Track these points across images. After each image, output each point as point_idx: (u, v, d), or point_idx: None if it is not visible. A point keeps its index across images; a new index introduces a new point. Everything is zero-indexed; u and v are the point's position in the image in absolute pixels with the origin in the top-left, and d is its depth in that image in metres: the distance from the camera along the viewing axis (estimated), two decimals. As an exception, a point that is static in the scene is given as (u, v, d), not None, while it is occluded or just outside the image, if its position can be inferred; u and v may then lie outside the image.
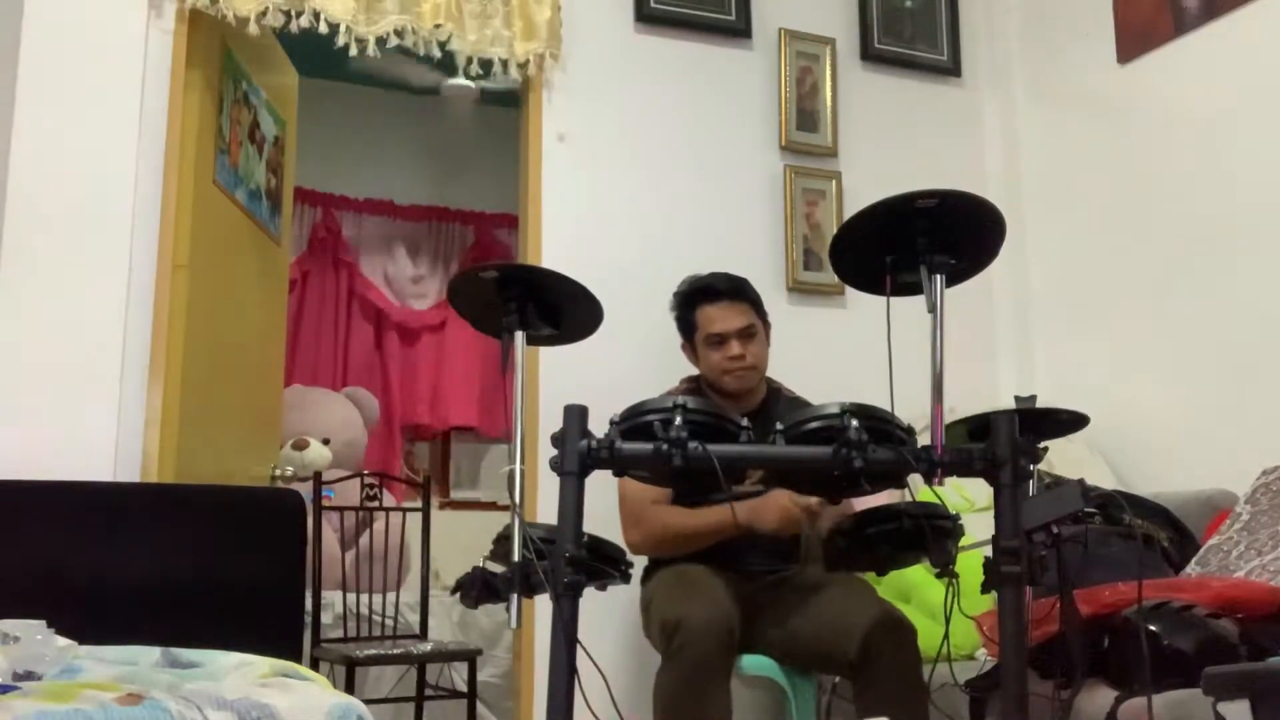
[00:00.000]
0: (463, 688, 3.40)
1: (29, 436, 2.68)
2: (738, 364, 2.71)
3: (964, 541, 2.05)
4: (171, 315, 2.86)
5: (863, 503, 2.23)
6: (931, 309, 1.94)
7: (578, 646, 1.82)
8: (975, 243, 2.02)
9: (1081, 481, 1.84)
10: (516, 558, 1.88)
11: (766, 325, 2.82)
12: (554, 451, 1.89)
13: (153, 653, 1.88)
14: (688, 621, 2.31)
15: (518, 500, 1.91)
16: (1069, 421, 2.13)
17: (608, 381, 2.73)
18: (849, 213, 2.59)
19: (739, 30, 3.64)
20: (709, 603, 2.38)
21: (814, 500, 2.45)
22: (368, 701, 2.12)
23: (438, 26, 3.17)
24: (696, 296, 2.78)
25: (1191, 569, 2.58)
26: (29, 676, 1.62)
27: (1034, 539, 1.84)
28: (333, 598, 3.64)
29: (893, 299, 2.04)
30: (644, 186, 3.47)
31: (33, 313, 2.74)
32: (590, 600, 1.90)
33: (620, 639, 3.00)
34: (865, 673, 2.35)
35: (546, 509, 2.89)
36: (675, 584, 2.52)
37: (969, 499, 2.82)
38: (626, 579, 2.13)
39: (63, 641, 1.66)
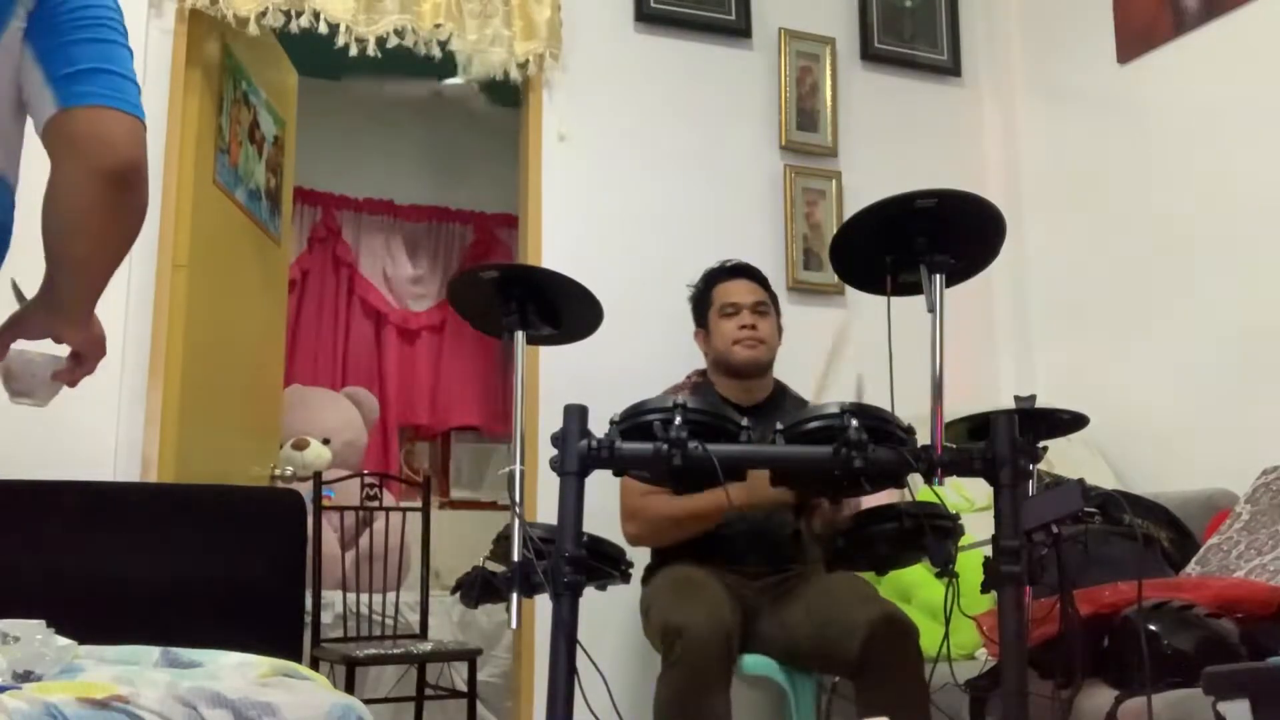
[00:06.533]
0: (463, 688, 3.40)
1: (29, 436, 2.68)
2: (749, 333, 2.77)
3: (964, 541, 2.05)
4: (171, 315, 2.86)
5: (861, 503, 2.23)
6: (931, 309, 1.94)
7: (578, 646, 1.83)
8: (975, 243, 2.02)
9: (1081, 481, 1.85)
10: (516, 558, 1.88)
11: (779, 314, 2.90)
12: (554, 451, 1.89)
13: (153, 652, 1.88)
14: (688, 630, 2.31)
15: (518, 500, 1.92)
16: (1069, 421, 2.13)
17: (608, 381, 2.73)
18: (849, 213, 2.59)
19: (739, 30, 3.64)
20: (709, 609, 2.38)
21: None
22: (368, 701, 2.12)
23: (438, 26, 3.17)
24: (717, 275, 2.89)
25: (1191, 569, 2.58)
26: (29, 677, 1.62)
27: (1034, 539, 1.84)
28: (333, 597, 3.64)
29: (893, 299, 2.04)
30: (644, 186, 3.47)
31: (33, 313, 2.74)
32: (590, 600, 1.90)
33: (620, 639, 3.00)
34: (867, 673, 2.35)
35: (546, 509, 2.89)
36: (675, 587, 2.52)
37: (969, 499, 2.81)
38: (626, 579, 2.13)
39: (63, 641, 1.66)
